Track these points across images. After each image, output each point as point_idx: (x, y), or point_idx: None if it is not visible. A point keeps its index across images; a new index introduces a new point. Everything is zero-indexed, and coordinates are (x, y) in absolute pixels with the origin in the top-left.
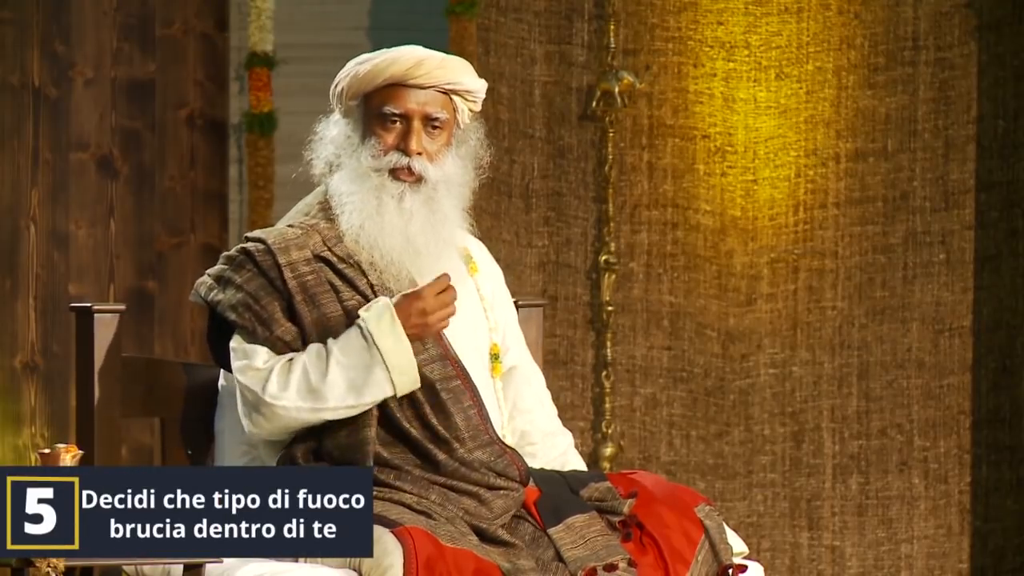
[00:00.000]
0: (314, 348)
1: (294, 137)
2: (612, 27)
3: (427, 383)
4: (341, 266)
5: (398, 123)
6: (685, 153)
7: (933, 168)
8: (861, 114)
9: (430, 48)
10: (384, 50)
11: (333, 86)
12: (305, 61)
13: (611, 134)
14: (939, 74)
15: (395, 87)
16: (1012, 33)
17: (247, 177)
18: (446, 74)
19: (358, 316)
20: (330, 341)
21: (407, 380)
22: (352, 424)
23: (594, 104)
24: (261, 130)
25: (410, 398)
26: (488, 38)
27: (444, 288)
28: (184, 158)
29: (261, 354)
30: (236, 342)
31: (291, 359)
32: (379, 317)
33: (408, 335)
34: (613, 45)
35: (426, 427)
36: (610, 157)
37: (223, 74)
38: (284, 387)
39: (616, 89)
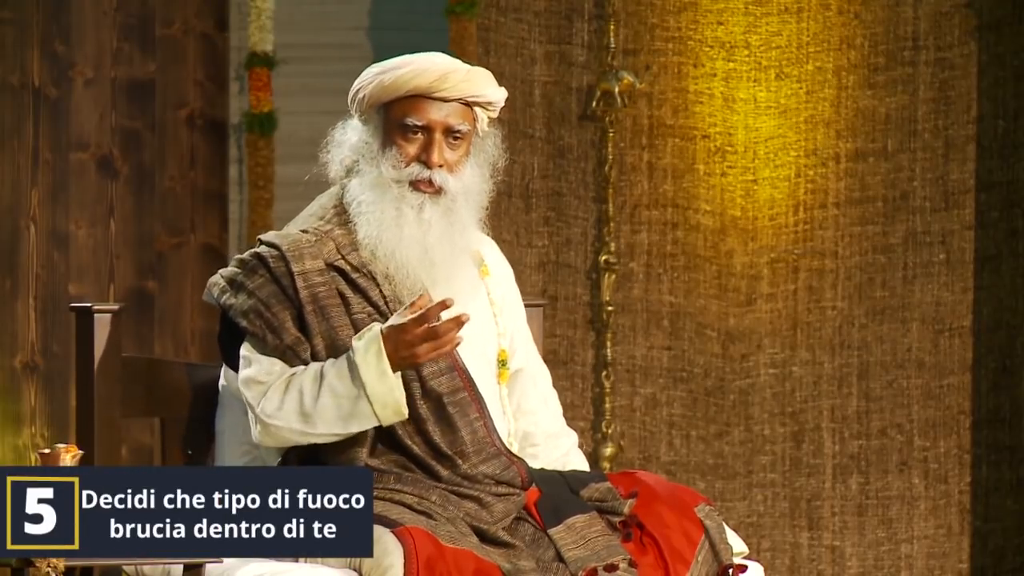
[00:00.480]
0: (312, 370)
1: (294, 137)
2: (612, 27)
3: (434, 396)
4: (354, 276)
5: (420, 134)
6: (685, 153)
7: (933, 168)
8: (861, 114)
9: (430, 48)
10: (407, 58)
11: (352, 92)
12: (305, 61)
13: (611, 134)
14: (939, 74)
15: (418, 98)
16: (1012, 33)
17: (247, 177)
18: (470, 87)
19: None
20: (327, 365)
21: (390, 413)
22: (345, 443)
23: (594, 104)
24: (261, 130)
25: (412, 413)
26: (488, 38)
27: (439, 318)
28: (184, 158)
29: (265, 365)
30: (246, 349)
31: (292, 375)
32: (367, 349)
33: (396, 367)
34: (613, 45)
35: (428, 444)
36: (610, 157)
37: (223, 74)
38: (279, 407)
39: (616, 89)
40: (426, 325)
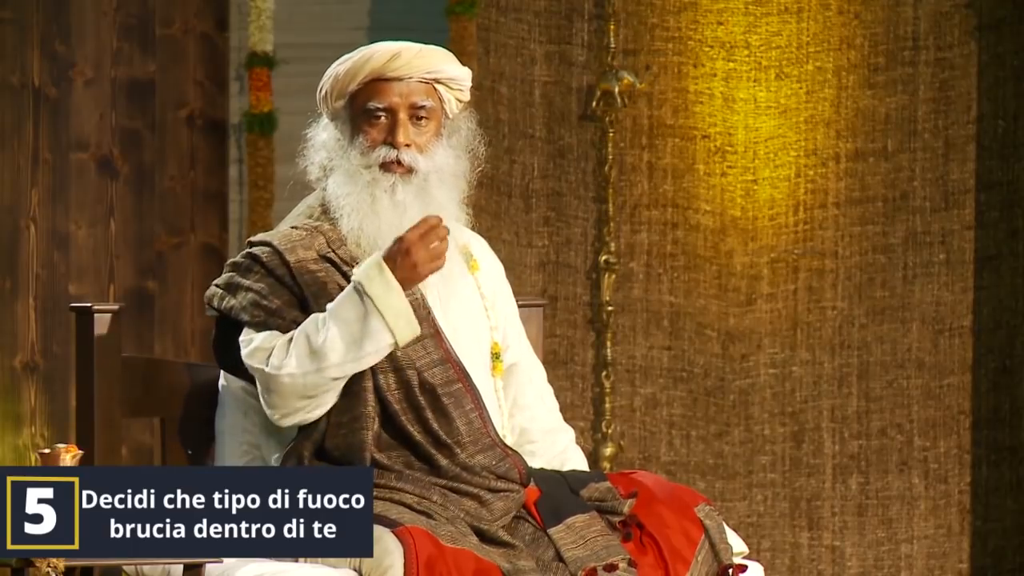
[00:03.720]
0: (313, 316)
1: (294, 137)
2: (612, 27)
3: (428, 387)
4: (346, 269)
5: (383, 117)
6: (685, 153)
7: (933, 168)
8: (861, 114)
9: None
10: (361, 47)
11: (318, 91)
12: (305, 61)
13: (611, 134)
14: (939, 74)
15: (376, 82)
16: (1012, 33)
17: (247, 177)
18: (425, 63)
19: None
20: (328, 305)
21: (404, 323)
22: (348, 426)
23: (594, 104)
24: (261, 130)
25: (412, 402)
26: (488, 38)
27: (430, 229)
28: (184, 158)
29: (267, 335)
30: (245, 334)
31: (293, 333)
32: (368, 267)
33: (399, 280)
34: (613, 45)
35: (428, 432)
36: (610, 157)
37: (223, 74)
38: (286, 356)
39: (616, 89)
40: (428, 230)
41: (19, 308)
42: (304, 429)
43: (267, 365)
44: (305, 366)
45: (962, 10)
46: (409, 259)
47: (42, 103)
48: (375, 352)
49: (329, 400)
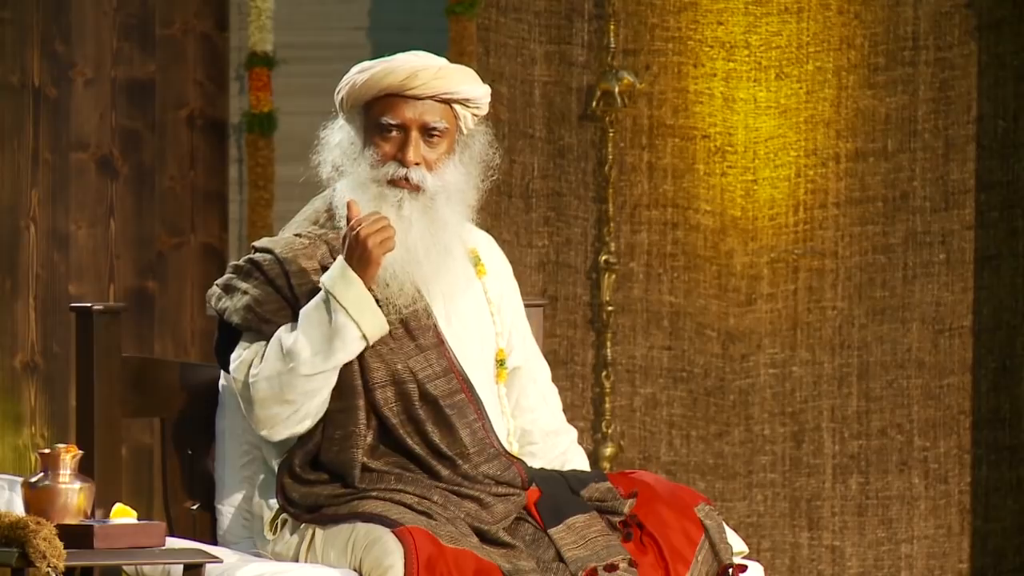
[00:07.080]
0: (288, 324)
1: (294, 137)
2: (612, 27)
3: (430, 399)
4: None
5: (395, 133)
6: (685, 153)
7: (933, 168)
8: (861, 114)
9: (430, 50)
10: (383, 59)
11: (336, 92)
12: (305, 61)
13: (611, 134)
14: (939, 74)
15: (392, 97)
16: (1012, 33)
17: (247, 177)
18: (443, 84)
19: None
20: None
21: (369, 315)
22: (341, 443)
23: (594, 104)
24: (261, 130)
25: (411, 415)
26: (488, 38)
27: (383, 222)
28: (184, 158)
29: (256, 348)
30: (238, 349)
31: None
32: (332, 269)
33: (357, 268)
34: (613, 45)
35: (427, 444)
36: (610, 157)
37: (223, 74)
38: (260, 363)
39: (616, 89)
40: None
41: (19, 308)
42: (301, 438)
43: (247, 375)
44: (278, 367)
45: (962, 10)
46: (361, 245)
47: (42, 103)
48: (343, 348)
49: (311, 406)
